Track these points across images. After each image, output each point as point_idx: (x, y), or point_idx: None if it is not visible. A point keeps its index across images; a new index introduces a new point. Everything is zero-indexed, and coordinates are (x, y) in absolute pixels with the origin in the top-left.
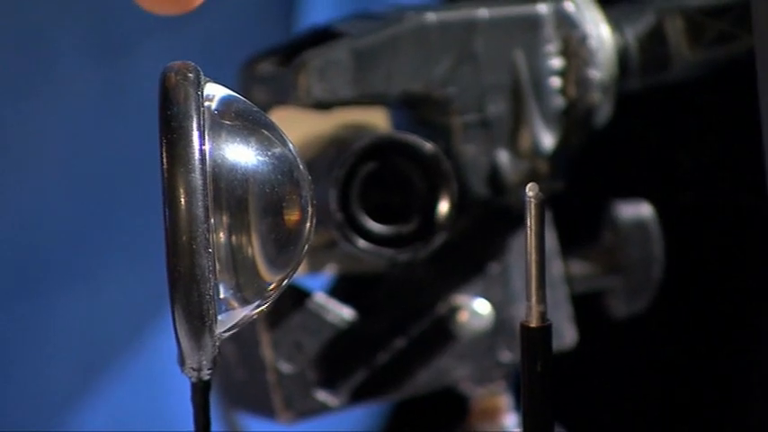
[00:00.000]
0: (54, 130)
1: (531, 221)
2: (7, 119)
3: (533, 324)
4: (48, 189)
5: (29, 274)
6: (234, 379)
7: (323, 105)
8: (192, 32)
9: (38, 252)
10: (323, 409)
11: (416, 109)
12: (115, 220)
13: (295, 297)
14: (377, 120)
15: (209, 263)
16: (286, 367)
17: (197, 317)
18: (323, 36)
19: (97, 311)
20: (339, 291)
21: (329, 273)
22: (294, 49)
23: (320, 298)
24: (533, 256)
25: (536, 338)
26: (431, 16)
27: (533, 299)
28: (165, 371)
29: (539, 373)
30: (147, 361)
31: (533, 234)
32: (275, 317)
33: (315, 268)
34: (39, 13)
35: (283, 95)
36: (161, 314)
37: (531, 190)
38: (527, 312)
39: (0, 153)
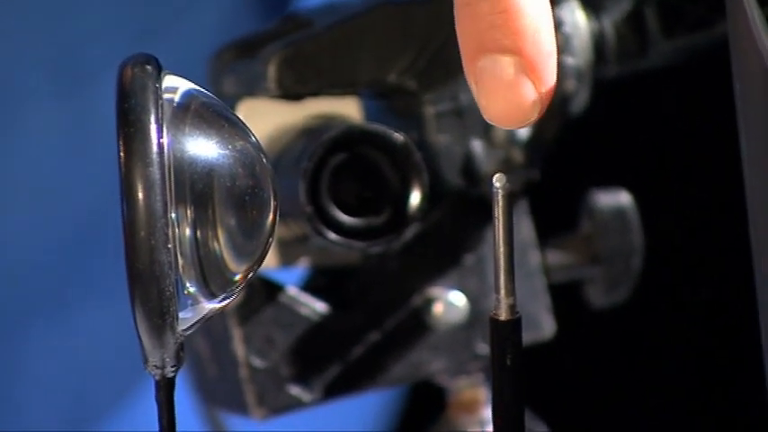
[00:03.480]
0: (22, 167)
1: (498, 213)
2: None
3: (502, 317)
4: (18, 227)
5: (2, 314)
6: (207, 375)
7: (293, 96)
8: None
9: (11, 290)
10: (297, 404)
11: (388, 99)
12: (89, 255)
13: (267, 291)
14: (349, 110)
15: (169, 258)
16: (258, 362)
17: (157, 314)
18: (291, 26)
19: (74, 349)
20: (312, 284)
21: (302, 266)
22: (263, 40)
23: (293, 291)
24: (502, 249)
25: (505, 331)
26: (400, 4)
27: (502, 291)
28: (149, 408)
29: (508, 366)
30: (130, 399)
31: (501, 226)
32: (247, 311)
33: (287, 261)
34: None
35: (253, 86)
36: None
37: (498, 181)
38: (495, 305)
39: None
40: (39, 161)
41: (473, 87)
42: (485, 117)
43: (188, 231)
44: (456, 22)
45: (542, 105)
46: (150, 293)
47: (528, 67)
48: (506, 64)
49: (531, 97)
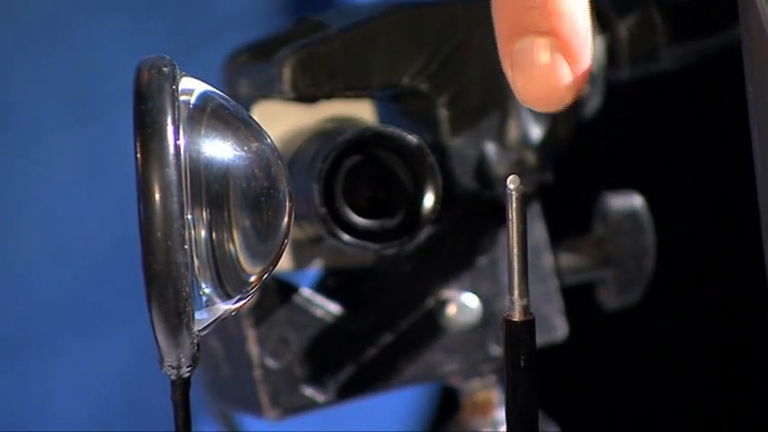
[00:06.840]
0: (37, 197)
1: (512, 215)
2: None
3: (516, 318)
4: (34, 255)
5: (18, 340)
6: (220, 376)
7: (307, 98)
8: None
9: (27, 317)
10: (310, 404)
11: (402, 101)
12: (103, 283)
13: (281, 292)
14: (363, 113)
15: (186, 259)
16: (272, 363)
17: (173, 315)
18: (306, 28)
19: (92, 375)
20: (326, 285)
21: (315, 268)
22: (277, 43)
23: (306, 293)
24: (515, 250)
25: (519, 333)
26: (414, 7)
27: (516, 293)
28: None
29: (522, 367)
30: (145, 418)
31: (515, 227)
32: (261, 313)
33: (301, 263)
34: (16, 83)
35: (267, 89)
36: (156, 376)
37: (512, 183)
38: (509, 306)
39: None
40: (55, 190)
41: (508, 71)
42: (520, 100)
43: (203, 233)
44: (493, 6)
45: (577, 88)
46: (167, 294)
47: (564, 49)
48: (543, 45)
49: (566, 79)
